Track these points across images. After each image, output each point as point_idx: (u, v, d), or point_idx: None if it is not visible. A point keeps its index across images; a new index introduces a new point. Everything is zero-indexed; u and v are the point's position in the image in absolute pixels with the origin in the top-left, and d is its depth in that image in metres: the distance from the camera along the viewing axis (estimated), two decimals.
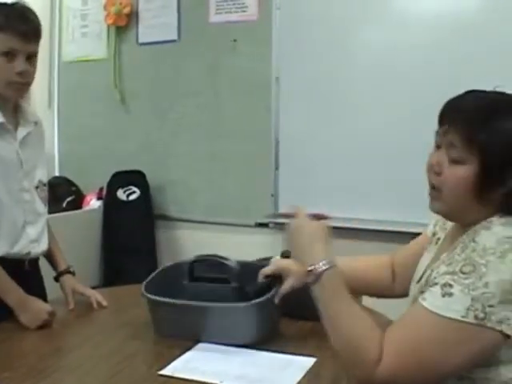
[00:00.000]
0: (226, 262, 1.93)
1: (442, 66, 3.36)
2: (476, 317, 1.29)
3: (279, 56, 3.82)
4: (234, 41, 3.99)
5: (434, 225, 1.77)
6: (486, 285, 1.30)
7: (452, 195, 1.46)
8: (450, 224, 1.65)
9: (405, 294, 1.82)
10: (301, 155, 3.83)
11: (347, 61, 3.67)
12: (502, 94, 1.48)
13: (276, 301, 1.80)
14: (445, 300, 1.33)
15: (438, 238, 1.69)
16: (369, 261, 1.99)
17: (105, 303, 2.18)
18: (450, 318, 1.32)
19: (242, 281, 1.91)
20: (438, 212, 1.54)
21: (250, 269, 1.91)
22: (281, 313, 1.90)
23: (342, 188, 3.70)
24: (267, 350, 1.76)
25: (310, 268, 1.49)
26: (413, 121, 3.37)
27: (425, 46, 3.44)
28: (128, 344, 1.84)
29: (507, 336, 1.32)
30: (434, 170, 1.48)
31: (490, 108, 1.42)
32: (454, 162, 1.43)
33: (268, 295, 1.80)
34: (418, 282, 1.62)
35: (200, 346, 1.80)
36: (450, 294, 1.33)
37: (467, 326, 1.30)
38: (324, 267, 1.48)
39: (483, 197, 1.42)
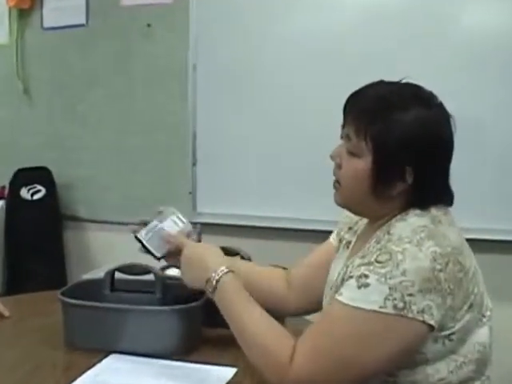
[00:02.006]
0: (150, 270, 1.86)
1: (363, 57, 3.31)
2: (395, 306, 1.28)
3: (197, 42, 3.67)
4: (148, 26, 3.80)
5: (337, 233, 1.80)
6: (404, 272, 1.29)
7: (349, 188, 1.51)
8: (359, 226, 1.67)
9: (301, 312, 1.86)
10: (220, 150, 3.71)
11: (268, 49, 3.57)
12: (403, 85, 1.49)
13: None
14: (361, 291, 1.32)
15: (349, 242, 1.69)
16: (263, 270, 1.96)
17: (7, 313, 2.06)
18: (367, 310, 1.30)
19: (167, 291, 1.87)
20: (338, 204, 1.57)
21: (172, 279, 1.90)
22: (201, 321, 1.86)
23: (264, 185, 3.63)
24: (184, 361, 1.72)
25: (207, 278, 1.54)
26: (336, 114, 3.34)
27: (350, 34, 3.39)
28: (34, 356, 1.76)
29: (431, 327, 1.31)
30: (336, 162, 1.53)
31: (385, 101, 1.44)
32: (351, 154, 1.47)
33: (193, 304, 1.77)
34: (331, 289, 1.58)
35: (112, 356, 1.74)
36: (366, 285, 1.32)
37: (386, 317, 1.29)
38: (220, 274, 1.53)
39: (381, 191, 1.44)
